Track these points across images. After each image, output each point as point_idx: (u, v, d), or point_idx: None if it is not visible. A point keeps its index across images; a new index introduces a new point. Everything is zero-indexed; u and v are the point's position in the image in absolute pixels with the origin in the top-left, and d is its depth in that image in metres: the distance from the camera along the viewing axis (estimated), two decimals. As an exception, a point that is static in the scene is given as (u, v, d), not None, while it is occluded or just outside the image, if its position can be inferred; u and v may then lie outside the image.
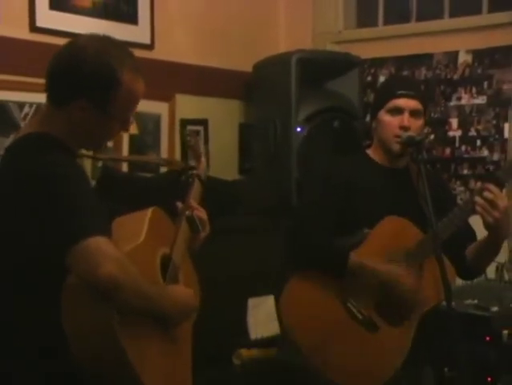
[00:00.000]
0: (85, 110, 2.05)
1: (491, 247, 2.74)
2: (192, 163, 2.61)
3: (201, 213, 2.42)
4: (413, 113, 2.75)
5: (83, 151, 2.34)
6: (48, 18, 3.49)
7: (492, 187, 2.61)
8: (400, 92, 2.77)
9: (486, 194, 2.60)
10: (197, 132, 4.18)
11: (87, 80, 2.04)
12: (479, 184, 2.72)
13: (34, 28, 3.45)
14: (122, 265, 1.88)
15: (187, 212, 2.38)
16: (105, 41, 2.11)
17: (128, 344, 1.91)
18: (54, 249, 1.89)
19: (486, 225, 2.63)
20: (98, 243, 1.87)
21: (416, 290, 2.68)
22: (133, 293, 1.92)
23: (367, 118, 4.25)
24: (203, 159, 2.62)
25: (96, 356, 1.91)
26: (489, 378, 3.26)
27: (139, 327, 1.99)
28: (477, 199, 2.62)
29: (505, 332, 3.28)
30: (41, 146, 2.03)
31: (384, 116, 2.79)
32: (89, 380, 1.96)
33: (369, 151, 2.90)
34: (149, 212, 2.21)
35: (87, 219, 1.92)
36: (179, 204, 2.40)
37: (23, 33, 3.42)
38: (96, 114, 2.07)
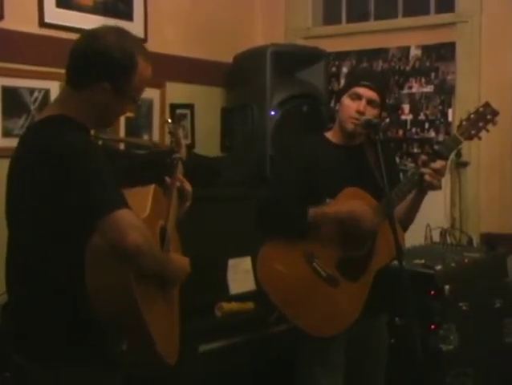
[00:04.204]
0: (106, 92, 2.02)
1: (419, 204, 2.80)
2: (173, 146, 2.58)
3: (188, 186, 2.43)
4: (370, 102, 2.77)
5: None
6: (55, 14, 3.46)
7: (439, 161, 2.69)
8: (362, 82, 2.79)
9: (433, 166, 2.67)
10: (184, 115, 4.17)
11: (109, 64, 2.01)
12: (423, 157, 2.75)
13: (42, 24, 3.42)
14: (145, 235, 1.88)
15: (178, 184, 2.39)
16: (121, 31, 2.09)
17: (141, 302, 1.93)
18: (81, 216, 1.89)
19: (431, 188, 2.70)
20: (124, 214, 1.86)
21: (371, 219, 2.69)
22: (151, 260, 1.94)
23: (332, 103, 4.29)
24: (182, 142, 2.58)
25: (113, 310, 1.93)
26: (432, 326, 3.28)
27: (147, 288, 2.01)
28: (424, 170, 2.67)
29: (447, 287, 3.31)
30: (64, 127, 1.99)
31: (346, 100, 2.81)
32: (106, 329, 1.98)
33: (328, 134, 2.92)
34: (151, 189, 2.20)
35: (112, 192, 1.90)
36: (167, 180, 2.39)
37: (33, 28, 3.39)
38: (114, 95, 2.04)
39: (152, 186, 2.22)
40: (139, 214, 2.04)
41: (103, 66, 2.01)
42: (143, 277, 1.96)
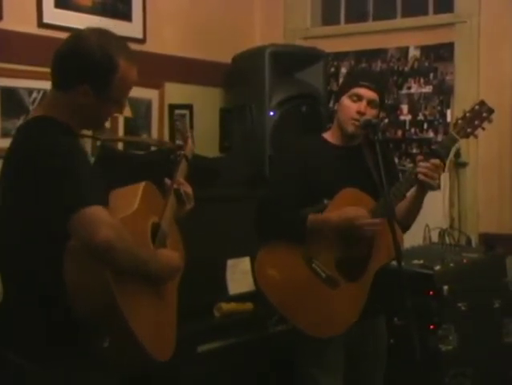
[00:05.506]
0: (87, 94, 2.03)
1: (420, 203, 2.79)
2: (180, 143, 2.59)
3: (188, 188, 2.41)
4: (370, 102, 2.77)
5: (85, 132, 2.33)
6: (53, 15, 3.45)
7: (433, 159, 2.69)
8: (362, 83, 2.78)
9: (426, 164, 2.66)
10: (183, 116, 4.17)
11: (89, 66, 2.02)
12: (419, 157, 2.76)
13: (41, 24, 3.42)
14: (117, 231, 1.88)
15: (175, 186, 2.37)
16: (104, 33, 2.09)
17: (121, 299, 1.91)
18: (58, 215, 1.89)
19: (428, 187, 2.69)
20: (95, 211, 1.87)
21: (365, 216, 2.69)
22: (126, 256, 1.92)
23: (331, 104, 4.29)
24: (190, 141, 2.59)
25: (92, 308, 1.92)
26: (431, 326, 3.28)
27: (131, 284, 1.99)
28: (419, 169, 2.67)
29: (446, 287, 3.31)
30: (46, 128, 2.01)
31: (345, 101, 2.80)
32: (86, 328, 1.97)
33: (325, 134, 2.92)
34: (142, 185, 2.20)
35: (86, 190, 1.91)
36: (167, 180, 2.38)
37: (32, 28, 3.39)
38: (96, 97, 2.04)
39: (144, 183, 2.21)
40: (125, 210, 2.04)
41: (82, 68, 2.03)
42: (127, 274, 1.96)
